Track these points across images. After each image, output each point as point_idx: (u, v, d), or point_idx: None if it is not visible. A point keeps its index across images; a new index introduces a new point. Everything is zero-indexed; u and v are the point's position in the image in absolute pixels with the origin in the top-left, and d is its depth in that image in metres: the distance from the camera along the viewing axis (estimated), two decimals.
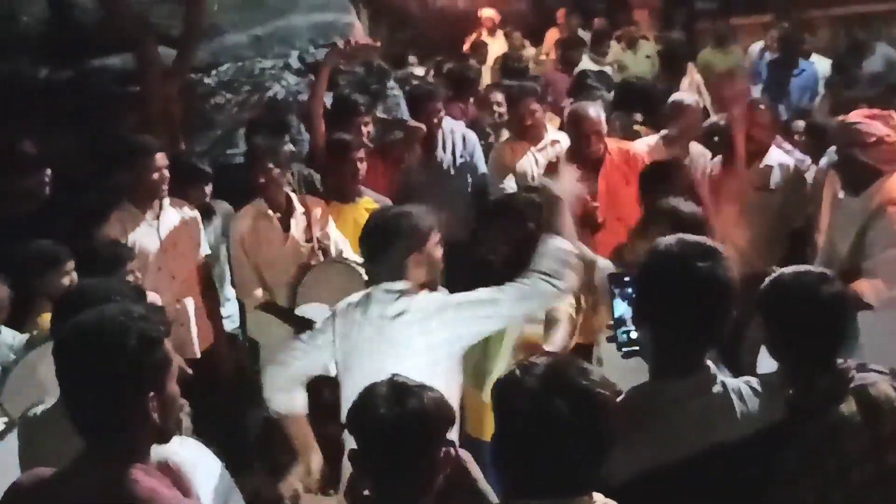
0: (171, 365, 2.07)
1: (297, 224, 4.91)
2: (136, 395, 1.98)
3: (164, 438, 2.09)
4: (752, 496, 2.29)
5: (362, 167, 5.15)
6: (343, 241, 5.00)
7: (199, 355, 4.87)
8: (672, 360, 2.29)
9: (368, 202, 5.11)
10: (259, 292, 4.85)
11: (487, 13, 12.36)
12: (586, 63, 9.20)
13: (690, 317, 2.25)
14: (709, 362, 2.32)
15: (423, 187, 5.59)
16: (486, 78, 9.35)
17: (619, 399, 2.19)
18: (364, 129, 5.67)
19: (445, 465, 2.22)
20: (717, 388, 2.29)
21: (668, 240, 2.39)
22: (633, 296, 2.53)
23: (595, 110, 5.27)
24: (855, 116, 4.26)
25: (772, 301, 2.59)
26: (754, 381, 2.40)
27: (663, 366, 2.31)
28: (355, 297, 3.37)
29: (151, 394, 1.99)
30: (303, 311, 4.72)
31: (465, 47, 11.44)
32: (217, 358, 5.05)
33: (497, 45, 11.37)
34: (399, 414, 2.18)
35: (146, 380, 1.99)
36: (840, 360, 2.53)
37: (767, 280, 2.64)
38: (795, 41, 8.03)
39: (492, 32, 11.99)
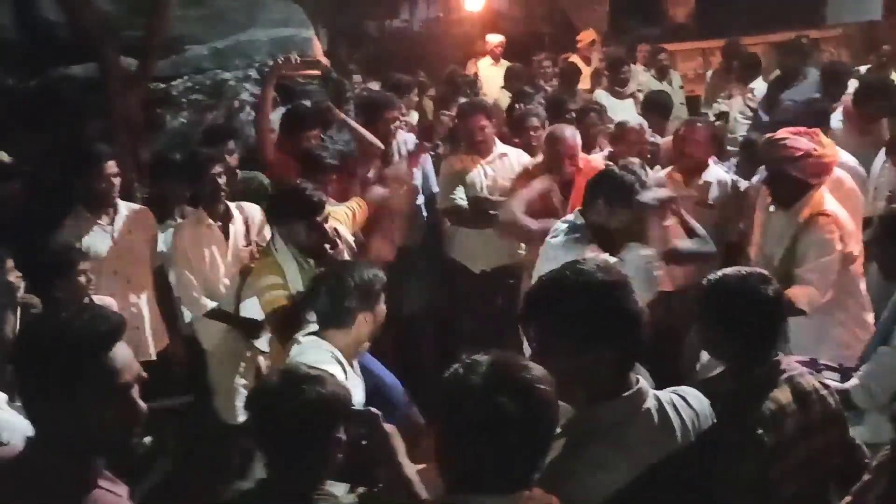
0: (118, 375, 1.97)
1: (236, 230, 5.00)
2: (72, 400, 1.93)
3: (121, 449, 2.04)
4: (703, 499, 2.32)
5: (332, 180, 5.30)
6: None
7: (153, 357, 4.95)
8: (600, 383, 2.23)
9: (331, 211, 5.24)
10: (204, 300, 4.90)
11: (495, 39, 11.02)
12: (603, 97, 8.59)
13: (607, 339, 2.20)
14: (639, 378, 2.30)
15: None
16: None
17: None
18: (314, 143, 5.75)
19: (336, 450, 2.38)
20: (650, 403, 2.27)
21: (568, 266, 2.33)
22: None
23: (571, 132, 5.47)
24: (782, 133, 4.42)
25: (716, 299, 2.78)
26: (681, 390, 2.42)
27: (593, 392, 2.24)
28: None
29: (97, 400, 1.95)
30: (245, 307, 4.82)
31: (470, 70, 10.47)
32: (172, 360, 5.10)
33: (501, 74, 10.15)
34: (293, 405, 2.33)
35: (84, 386, 1.93)
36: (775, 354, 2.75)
37: (710, 280, 2.82)
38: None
39: (497, 60, 10.89)
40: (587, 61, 11.01)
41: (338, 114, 6.10)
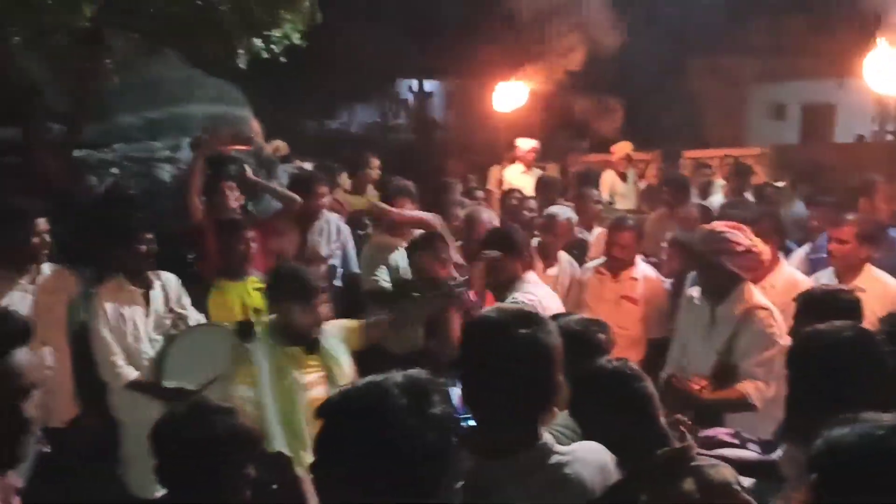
0: (14, 379, 1.89)
1: (156, 297, 4.89)
2: None
3: None
4: None
5: (253, 247, 5.25)
6: (196, 313, 5.00)
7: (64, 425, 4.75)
8: (505, 435, 2.21)
9: (255, 281, 5.15)
10: (127, 369, 4.72)
11: (527, 144, 9.80)
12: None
13: (514, 383, 2.18)
14: (544, 432, 2.26)
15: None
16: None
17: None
18: (230, 204, 5.73)
19: (246, 487, 2.28)
20: (554, 459, 2.24)
21: (488, 309, 2.36)
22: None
23: (488, 216, 5.74)
24: (720, 226, 4.44)
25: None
26: (587, 445, 2.40)
27: (497, 443, 2.21)
28: None
29: None
30: (168, 373, 4.62)
31: (494, 176, 9.71)
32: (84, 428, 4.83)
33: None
34: (203, 434, 2.25)
35: None
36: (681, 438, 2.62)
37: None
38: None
39: (528, 167, 9.78)
40: (622, 177, 10.43)
41: (250, 176, 6.12)
